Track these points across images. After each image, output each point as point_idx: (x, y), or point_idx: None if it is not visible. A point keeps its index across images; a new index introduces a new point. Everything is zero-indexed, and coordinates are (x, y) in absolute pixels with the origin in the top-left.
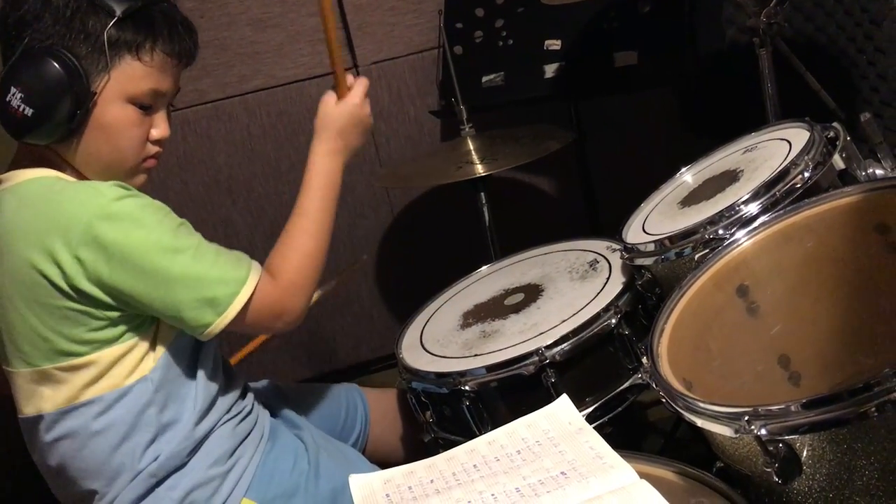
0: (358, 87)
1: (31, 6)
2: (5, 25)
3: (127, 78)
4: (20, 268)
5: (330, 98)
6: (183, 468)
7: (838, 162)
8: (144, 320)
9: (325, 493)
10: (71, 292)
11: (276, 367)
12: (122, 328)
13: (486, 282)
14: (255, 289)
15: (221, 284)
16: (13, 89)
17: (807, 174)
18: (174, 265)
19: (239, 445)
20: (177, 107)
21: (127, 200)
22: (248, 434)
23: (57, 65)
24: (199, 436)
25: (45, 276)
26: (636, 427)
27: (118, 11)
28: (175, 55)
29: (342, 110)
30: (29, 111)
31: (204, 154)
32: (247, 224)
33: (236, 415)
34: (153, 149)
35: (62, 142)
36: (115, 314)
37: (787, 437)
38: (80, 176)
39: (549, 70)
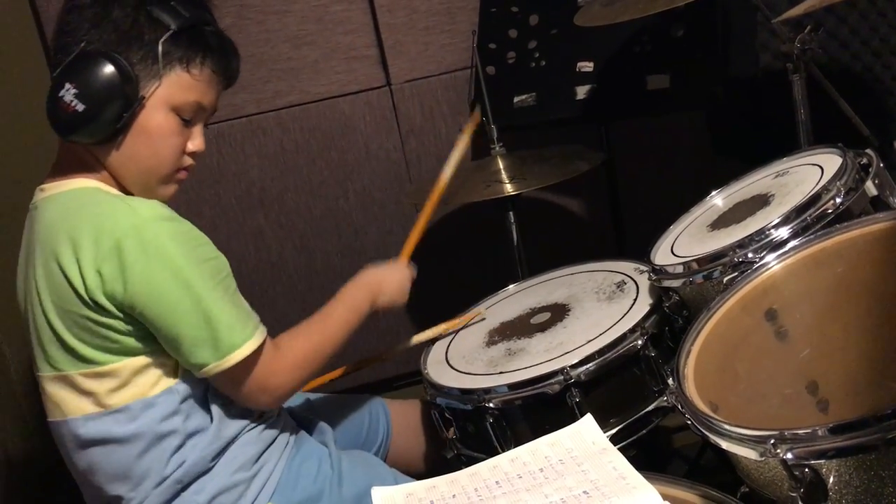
0: (412, 269)
1: (90, 15)
2: (63, 32)
3: (175, 87)
4: (52, 271)
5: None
6: (208, 473)
7: (870, 188)
8: None
9: (348, 498)
10: (90, 303)
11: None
12: (142, 341)
13: (513, 300)
14: (257, 348)
15: (228, 330)
16: (67, 85)
17: (838, 200)
18: (187, 299)
19: (264, 451)
20: (212, 123)
21: (161, 224)
22: (274, 440)
23: (112, 66)
24: (223, 442)
25: (70, 282)
26: (661, 452)
27: (174, 26)
28: (221, 73)
29: (393, 270)
30: (80, 107)
31: (237, 167)
32: (277, 237)
33: (262, 422)
34: (187, 161)
35: (105, 143)
36: (132, 328)
37: (813, 462)
38: (117, 182)
39: (581, 91)
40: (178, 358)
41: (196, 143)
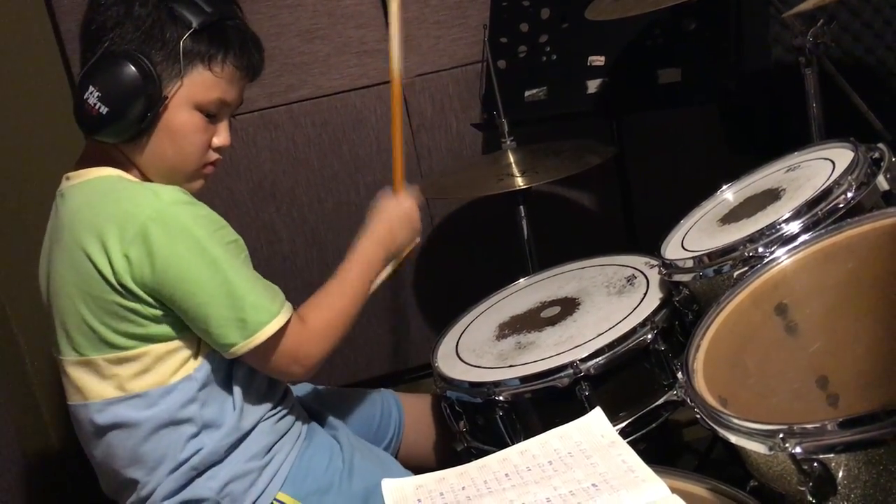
0: (412, 194)
1: (114, 13)
2: (88, 30)
3: (197, 86)
4: (77, 258)
5: (388, 194)
6: (223, 461)
7: (882, 183)
8: None
9: (357, 491)
10: (119, 288)
11: (316, 373)
12: (167, 327)
13: (524, 294)
14: (284, 324)
15: (254, 309)
16: (91, 88)
17: (850, 194)
18: (213, 279)
19: (277, 441)
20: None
21: (183, 207)
22: (287, 431)
23: (134, 68)
24: (241, 433)
25: (98, 269)
26: (671, 446)
27: (195, 24)
28: (243, 69)
29: (397, 209)
30: (104, 109)
31: (250, 161)
32: (289, 231)
33: (276, 413)
34: (213, 155)
35: (131, 142)
36: (159, 313)
37: (822, 457)
38: (144, 177)
39: (592, 85)
40: (207, 339)
41: (221, 137)
